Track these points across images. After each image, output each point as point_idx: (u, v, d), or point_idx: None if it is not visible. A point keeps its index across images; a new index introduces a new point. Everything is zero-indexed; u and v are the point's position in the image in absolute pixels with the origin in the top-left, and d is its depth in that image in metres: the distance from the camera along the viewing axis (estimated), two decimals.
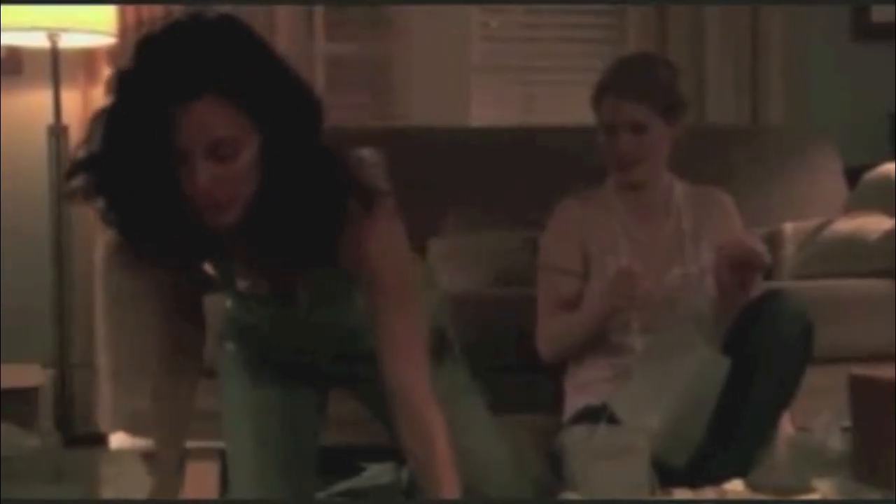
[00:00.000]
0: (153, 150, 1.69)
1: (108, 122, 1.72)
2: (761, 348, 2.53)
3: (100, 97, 3.97)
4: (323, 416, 2.28)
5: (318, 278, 1.96)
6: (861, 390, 2.40)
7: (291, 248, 1.83)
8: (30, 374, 3.60)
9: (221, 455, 2.89)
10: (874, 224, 3.43)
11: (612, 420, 2.39)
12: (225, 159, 1.70)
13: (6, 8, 3.67)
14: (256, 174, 1.74)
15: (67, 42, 3.82)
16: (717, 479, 2.35)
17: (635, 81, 2.71)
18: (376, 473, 2.66)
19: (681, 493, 2.27)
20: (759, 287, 2.65)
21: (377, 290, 1.88)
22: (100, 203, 1.76)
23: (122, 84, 1.71)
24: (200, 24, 1.72)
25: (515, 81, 4.64)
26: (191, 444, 2.94)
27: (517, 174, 3.79)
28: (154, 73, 1.68)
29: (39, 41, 3.80)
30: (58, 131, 3.89)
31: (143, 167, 1.71)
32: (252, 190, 1.75)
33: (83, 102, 4.03)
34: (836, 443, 2.55)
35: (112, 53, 4.01)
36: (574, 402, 2.71)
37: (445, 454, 1.85)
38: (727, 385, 2.50)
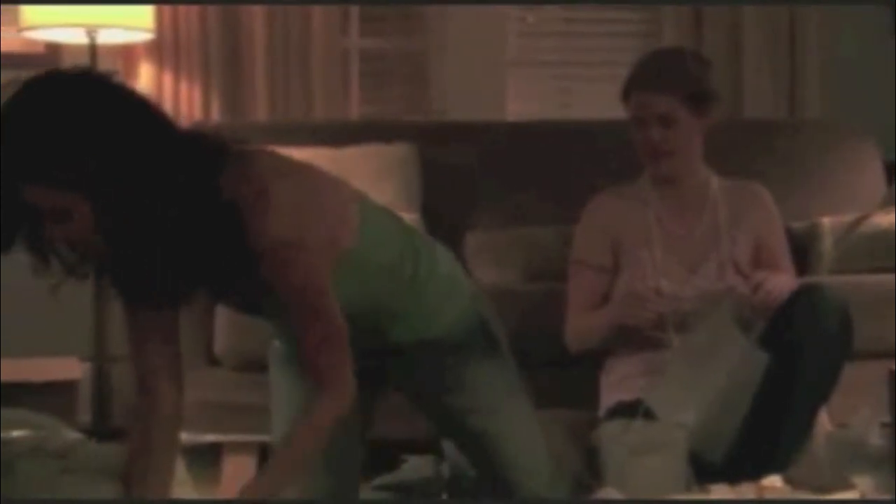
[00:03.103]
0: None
1: None
2: (800, 343, 2.52)
3: None
4: (370, 413, 2.27)
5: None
6: None
7: (148, 291, 1.94)
8: (68, 368, 3.62)
9: (260, 449, 2.90)
10: None
11: (648, 415, 2.39)
12: (61, 222, 1.85)
13: (45, 5, 3.70)
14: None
15: (105, 38, 3.85)
16: (755, 474, 2.34)
17: (662, 74, 2.71)
18: (417, 466, 2.65)
19: (718, 489, 2.26)
20: (797, 282, 2.64)
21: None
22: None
23: None
24: (40, 105, 1.81)
25: (552, 76, 4.63)
26: (229, 437, 2.97)
27: (553, 169, 3.78)
28: None
29: (78, 37, 3.82)
30: None
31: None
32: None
33: None
34: (876, 439, 2.53)
35: (149, 49, 4.04)
36: (609, 397, 2.71)
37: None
38: (765, 380, 2.49)
